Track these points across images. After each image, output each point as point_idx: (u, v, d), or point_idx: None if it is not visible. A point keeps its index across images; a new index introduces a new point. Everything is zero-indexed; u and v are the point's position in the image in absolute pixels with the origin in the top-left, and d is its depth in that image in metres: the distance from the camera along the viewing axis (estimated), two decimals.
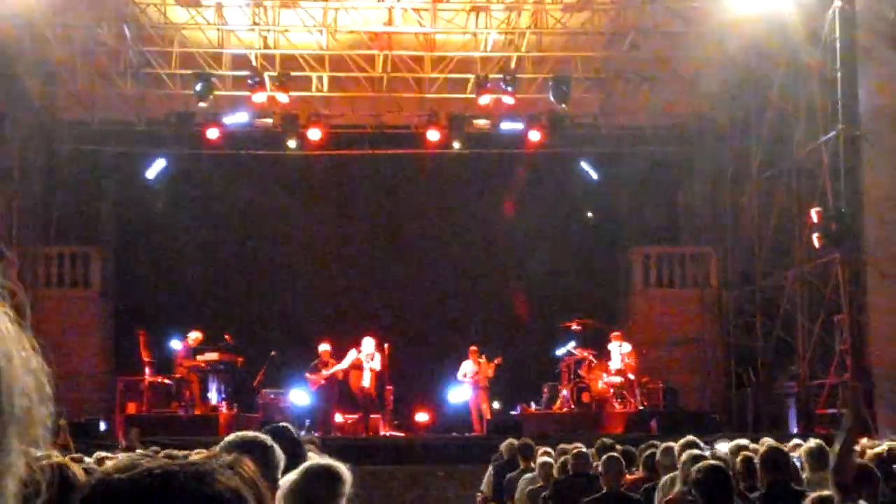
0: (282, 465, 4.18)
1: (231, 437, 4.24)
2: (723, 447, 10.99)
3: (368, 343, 21.66)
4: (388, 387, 22.35)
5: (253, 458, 3.13)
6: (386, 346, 22.13)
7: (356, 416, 21.93)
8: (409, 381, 23.57)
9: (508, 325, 25.94)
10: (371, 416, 21.70)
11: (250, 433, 4.26)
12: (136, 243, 26.70)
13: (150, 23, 24.12)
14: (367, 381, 21.48)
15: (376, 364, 21.59)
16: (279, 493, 4.12)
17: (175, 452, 8.10)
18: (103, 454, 11.36)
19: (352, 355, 21.55)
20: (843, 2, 20.42)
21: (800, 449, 10.26)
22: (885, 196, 20.37)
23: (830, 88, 20.99)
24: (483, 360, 22.41)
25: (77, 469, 3.90)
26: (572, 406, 21.97)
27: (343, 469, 4.45)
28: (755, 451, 9.20)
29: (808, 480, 8.68)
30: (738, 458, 9.44)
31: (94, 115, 25.39)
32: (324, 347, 21.98)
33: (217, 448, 3.93)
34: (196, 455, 3.44)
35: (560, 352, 22.91)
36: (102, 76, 24.91)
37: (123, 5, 23.54)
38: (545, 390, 22.79)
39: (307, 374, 21.77)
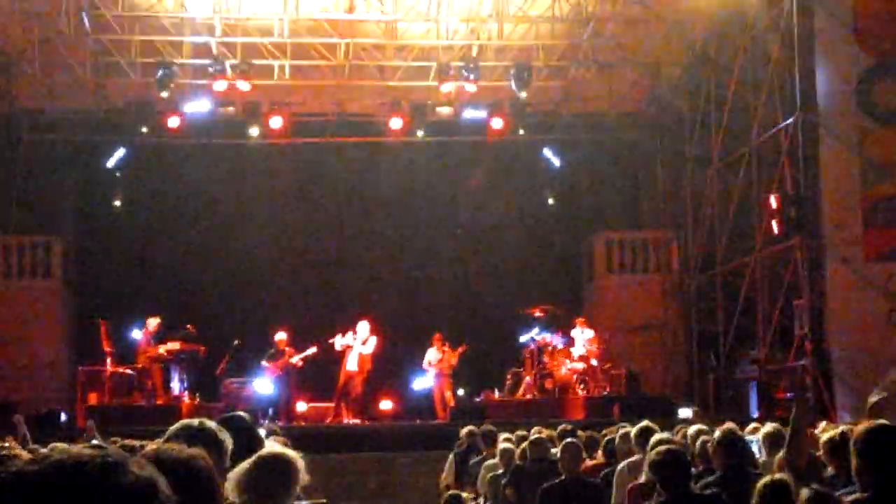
0: (228, 452, 4.15)
1: (175, 426, 4.19)
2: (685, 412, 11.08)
3: (363, 327, 21.59)
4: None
5: (200, 447, 3.15)
6: (351, 333, 22.10)
7: (324, 403, 21.89)
8: (373, 369, 23.54)
9: (472, 312, 26.00)
10: (350, 400, 21.57)
11: (195, 421, 4.22)
12: (96, 232, 26.56)
13: (110, 10, 23.93)
14: (352, 364, 21.39)
15: (369, 348, 21.47)
16: (229, 483, 4.09)
17: (133, 443, 8.08)
18: (60, 446, 11.26)
19: (347, 338, 21.44)
20: None
21: (758, 432, 10.35)
22: (844, 181, 20.53)
23: (788, 74, 21.14)
24: (447, 347, 22.43)
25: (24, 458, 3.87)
26: (535, 392, 22.05)
27: (296, 458, 4.45)
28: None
29: (765, 463, 8.77)
30: (697, 442, 9.54)
31: (54, 104, 25.20)
32: (280, 336, 21.91)
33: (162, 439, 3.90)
34: (151, 445, 3.44)
35: (523, 338, 22.97)
36: (61, 64, 24.71)
37: None
38: (508, 377, 22.86)
39: (264, 362, 21.72)
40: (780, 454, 7.42)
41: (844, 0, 20.58)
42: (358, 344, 21.37)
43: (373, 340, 21.46)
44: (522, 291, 25.25)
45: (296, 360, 21.59)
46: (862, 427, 5.41)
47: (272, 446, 5.04)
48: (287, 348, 21.76)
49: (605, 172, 26.97)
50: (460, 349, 22.41)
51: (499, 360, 23.90)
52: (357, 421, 21.48)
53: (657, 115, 27.14)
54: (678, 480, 6.93)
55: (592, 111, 26.66)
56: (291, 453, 4.46)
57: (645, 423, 9.97)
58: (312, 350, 21.64)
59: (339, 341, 21.38)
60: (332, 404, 21.70)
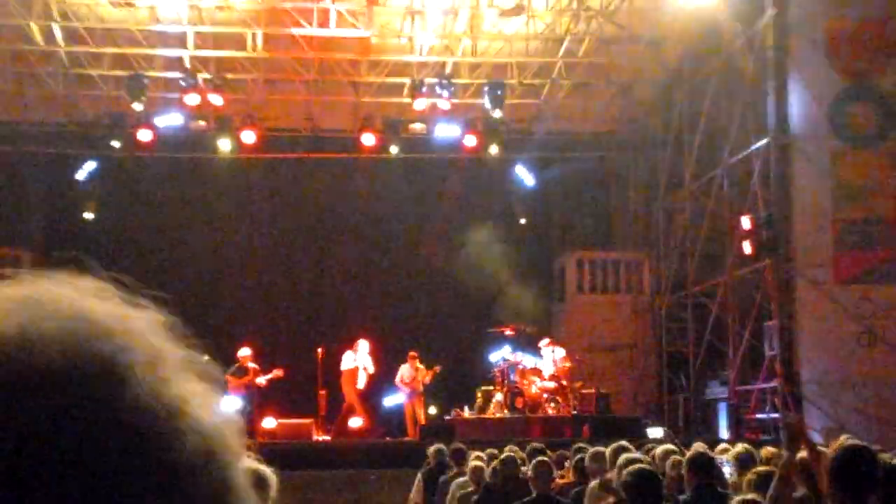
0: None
1: None
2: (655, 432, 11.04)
3: (364, 346, 21.78)
4: (322, 391, 22.22)
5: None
6: (320, 350, 22.01)
7: (295, 419, 21.73)
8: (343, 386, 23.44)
9: (443, 330, 25.92)
10: (353, 418, 21.80)
11: None
12: (66, 245, 26.32)
13: (82, 22, 23.80)
14: (362, 383, 21.66)
15: (371, 367, 21.84)
16: None
17: None
18: None
19: (349, 358, 21.57)
20: (776, 10, 20.65)
21: (728, 453, 10.33)
22: (815, 204, 20.61)
23: (762, 96, 21.23)
24: (421, 366, 22.36)
25: None
26: (505, 411, 21.97)
27: (268, 473, 4.38)
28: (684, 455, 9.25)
29: (734, 484, 8.74)
30: (668, 462, 9.49)
31: (24, 116, 25.01)
32: (244, 352, 21.71)
33: None
34: None
35: (494, 357, 22.90)
36: (32, 76, 24.55)
37: (54, 4, 23.20)
38: (478, 395, 22.77)
39: (227, 377, 21.51)
40: (749, 475, 7.38)
41: (818, 23, 20.71)
42: (369, 364, 21.81)
43: (369, 360, 21.94)
44: (493, 310, 25.18)
45: (261, 380, 21.46)
46: (832, 449, 5.37)
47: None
48: (251, 364, 21.58)
49: (577, 192, 27.01)
50: (435, 369, 22.32)
51: (469, 378, 23.81)
52: (327, 437, 21.35)
53: (630, 135, 27.20)
54: (650, 500, 6.88)
55: (565, 130, 26.70)
56: (264, 468, 4.39)
57: (620, 442, 9.94)
58: (278, 373, 21.53)
59: (347, 363, 21.57)
60: (306, 420, 21.49)
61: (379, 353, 24.12)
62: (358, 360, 21.77)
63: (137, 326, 0.85)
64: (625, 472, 7.11)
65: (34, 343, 0.79)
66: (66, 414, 0.77)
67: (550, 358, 22.35)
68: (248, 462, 4.68)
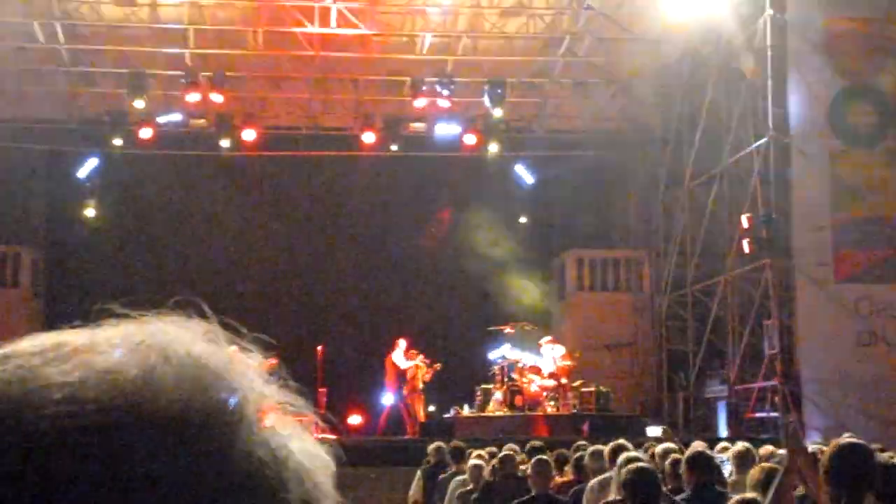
0: None
1: None
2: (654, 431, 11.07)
3: (402, 344, 22.15)
4: (321, 389, 22.23)
5: None
6: (319, 348, 22.04)
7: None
8: (342, 384, 23.48)
9: (443, 328, 25.95)
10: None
11: None
12: (66, 243, 26.37)
13: (84, 21, 23.83)
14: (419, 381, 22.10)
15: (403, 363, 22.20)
16: None
17: None
18: None
19: (411, 359, 21.95)
20: (775, 10, 20.68)
21: (727, 452, 10.37)
22: (814, 203, 20.64)
23: (761, 95, 21.25)
24: (421, 363, 22.37)
25: None
26: (505, 409, 21.99)
27: None
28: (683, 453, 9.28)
29: (734, 482, 8.77)
30: (667, 461, 9.52)
31: (26, 113, 25.04)
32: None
33: None
34: None
35: (493, 355, 22.92)
36: (34, 74, 24.58)
37: (56, 2, 23.23)
38: (478, 393, 22.79)
39: None
40: (754, 472, 7.40)
41: (817, 23, 20.73)
42: (419, 362, 22.02)
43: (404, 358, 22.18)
44: (493, 308, 25.21)
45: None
46: (830, 447, 5.40)
47: None
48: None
49: (577, 190, 26.99)
50: (435, 367, 22.32)
51: (469, 376, 23.83)
52: (326, 435, 21.34)
53: (630, 134, 27.20)
54: (649, 499, 6.90)
55: (565, 129, 26.73)
56: None
57: (619, 441, 9.96)
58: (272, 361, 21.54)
59: (404, 363, 21.77)
60: (307, 418, 21.51)
61: (378, 350, 24.18)
62: (414, 360, 21.90)
63: (245, 371, 0.86)
64: (623, 470, 7.14)
65: (154, 387, 0.80)
66: (182, 460, 0.78)
67: (550, 356, 22.38)
68: None
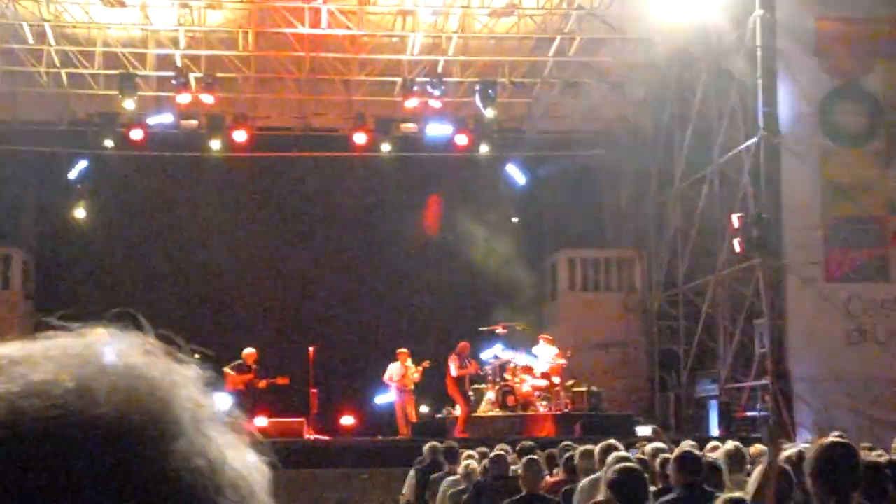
0: None
1: None
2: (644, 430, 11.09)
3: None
4: (313, 390, 22.23)
5: None
6: (311, 349, 22.03)
7: (287, 418, 21.74)
8: (334, 385, 23.49)
9: (434, 329, 25.91)
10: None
11: None
12: (57, 244, 26.34)
13: (74, 22, 23.81)
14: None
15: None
16: None
17: None
18: None
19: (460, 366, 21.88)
20: (765, 10, 20.73)
21: (718, 451, 10.39)
22: (805, 202, 20.71)
23: (752, 95, 21.30)
24: (411, 363, 22.37)
25: None
26: (497, 409, 22.01)
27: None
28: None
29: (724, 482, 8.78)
30: (656, 460, 9.56)
31: (16, 115, 25.01)
32: (248, 351, 21.75)
33: None
34: None
35: (486, 355, 22.93)
36: (23, 75, 24.56)
37: (45, 3, 23.21)
38: (471, 394, 22.80)
39: (226, 369, 21.52)
40: (759, 468, 7.41)
41: (807, 23, 20.79)
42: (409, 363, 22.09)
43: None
44: (485, 308, 25.21)
45: (263, 383, 21.49)
46: (815, 448, 5.43)
47: None
48: (254, 365, 21.57)
49: (568, 190, 27.02)
50: (424, 365, 22.34)
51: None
52: (319, 436, 21.38)
53: (621, 134, 27.23)
54: (635, 499, 6.93)
55: (557, 129, 26.75)
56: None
57: (609, 441, 9.99)
58: (284, 380, 21.53)
59: (455, 369, 21.75)
60: (300, 419, 21.51)
61: (370, 351, 24.21)
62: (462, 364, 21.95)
63: (182, 382, 0.88)
64: (609, 470, 7.17)
65: (90, 397, 0.81)
66: (119, 469, 0.79)
67: (543, 356, 22.41)
68: None
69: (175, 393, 0.86)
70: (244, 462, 0.88)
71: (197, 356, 0.94)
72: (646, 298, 26.57)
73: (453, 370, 21.86)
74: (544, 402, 22.09)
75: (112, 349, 0.87)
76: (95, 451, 0.79)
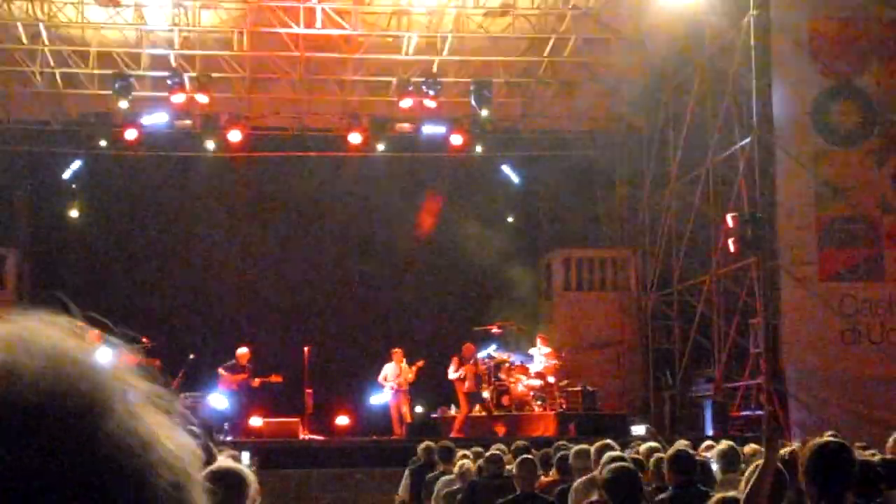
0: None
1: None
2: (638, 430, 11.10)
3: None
4: (308, 390, 22.23)
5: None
6: (306, 349, 22.04)
7: (283, 418, 21.75)
8: (329, 385, 23.48)
9: (429, 328, 25.92)
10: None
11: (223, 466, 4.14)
12: (52, 244, 26.29)
13: (68, 21, 23.79)
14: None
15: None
16: None
17: None
18: None
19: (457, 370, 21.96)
20: (759, 10, 20.75)
21: (713, 450, 10.41)
22: (799, 202, 20.73)
23: (746, 95, 21.34)
24: (405, 363, 22.38)
25: None
26: (492, 409, 22.03)
27: (247, 472, 4.40)
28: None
29: (721, 482, 8.81)
30: (651, 459, 9.57)
31: (10, 115, 24.98)
32: (242, 350, 21.77)
33: None
34: None
35: (481, 354, 22.94)
36: (17, 75, 24.53)
37: (39, 3, 23.18)
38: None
39: (221, 370, 21.54)
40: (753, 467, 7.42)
41: (801, 23, 20.83)
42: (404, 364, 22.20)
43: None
44: (480, 308, 25.23)
45: (256, 381, 21.51)
46: (809, 447, 5.43)
47: (223, 461, 4.99)
48: (248, 364, 21.61)
49: (563, 190, 27.02)
50: (418, 364, 22.35)
51: None
52: (314, 436, 21.38)
53: (616, 134, 27.25)
54: (629, 498, 6.94)
55: (552, 129, 26.75)
56: (241, 467, 4.41)
57: (604, 440, 10.00)
58: (277, 378, 21.58)
59: (451, 372, 21.99)
60: (295, 419, 21.50)
61: (365, 351, 24.20)
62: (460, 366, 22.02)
63: (111, 363, 0.89)
64: (604, 470, 7.18)
65: (18, 380, 0.83)
66: (49, 449, 0.81)
67: (538, 355, 22.46)
68: (226, 463, 4.70)
69: (104, 374, 0.87)
70: (177, 442, 0.89)
71: (127, 338, 0.95)
72: (640, 298, 26.59)
73: (450, 372, 21.93)
74: (539, 402, 22.11)
75: (40, 332, 0.88)
76: (22, 433, 0.81)
